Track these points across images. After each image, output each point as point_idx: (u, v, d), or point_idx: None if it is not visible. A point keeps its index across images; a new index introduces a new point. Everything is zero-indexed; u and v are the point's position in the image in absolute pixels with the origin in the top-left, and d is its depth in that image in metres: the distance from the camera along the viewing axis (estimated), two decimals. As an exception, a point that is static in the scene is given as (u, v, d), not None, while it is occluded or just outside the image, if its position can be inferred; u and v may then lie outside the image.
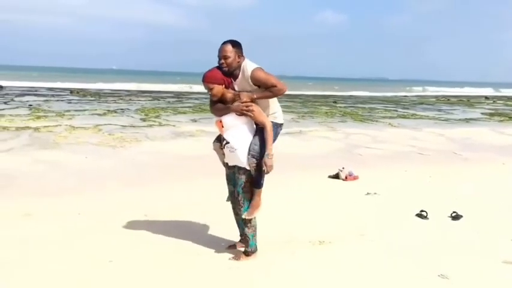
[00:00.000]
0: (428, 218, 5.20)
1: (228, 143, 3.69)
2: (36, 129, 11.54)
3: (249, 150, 3.62)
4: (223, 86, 3.64)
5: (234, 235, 4.51)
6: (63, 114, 15.03)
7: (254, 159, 3.62)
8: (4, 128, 11.62)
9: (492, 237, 4.64)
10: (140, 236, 4.42)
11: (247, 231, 3.85)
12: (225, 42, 3.60)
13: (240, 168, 3.71)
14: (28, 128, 11.72)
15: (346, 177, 7.18)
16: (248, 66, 3.60)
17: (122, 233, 4.53)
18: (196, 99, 26.46)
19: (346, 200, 6.01)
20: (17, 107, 17.27)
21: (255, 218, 3.84)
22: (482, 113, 22.70)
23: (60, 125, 12.43)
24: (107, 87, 36.05)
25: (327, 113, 20.08)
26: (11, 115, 14.28)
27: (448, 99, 36.88)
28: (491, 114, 21.93)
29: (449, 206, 5.55)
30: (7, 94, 24.36)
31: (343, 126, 15.25)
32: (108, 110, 17.03)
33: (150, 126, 13.27)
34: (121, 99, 23.87)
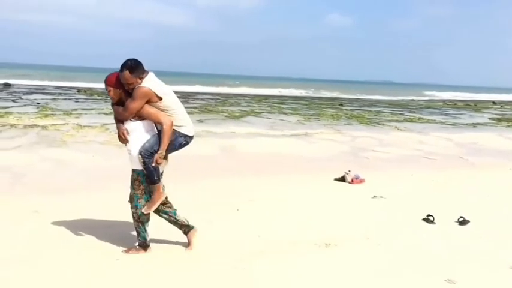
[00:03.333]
0: (435, 223, 5.18)
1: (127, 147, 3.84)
2: (44, 127, 11.61)
3: (140, 148, 3.74)
4: (121, 90, 3.73)
5: (238, 234, 4.52)
6: (71, 113, 15.11)
7: (141, 156, 3.73)
8: (12, 125, 11.70)
9: (499, 243, 4.61)
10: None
11: (136, 225, 3.99)
12: (122, 69, 3.66)
13: (134, 168, 3.88)
14: (36, 126, 11.79)
15: (352, 180, 7.16)
16: (144, 82, 3.70)
17: (128, 231, 4.53)
18: (202, 99, 26.52)
19: (352, 203, 5.99)
20: (24, 105, 17.38)
21: (143, 214, 3.93)
22: (489, 118, 22.58)
23: (67, 124, 12.49)
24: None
25: (332, 115, 20.05)
26: (19, 113, 14.37)
27: (455, 104, 36.73)
28: (498, 120, 21.81)
29: (457, 211, 5.52)
30: (15, 92, 24.52)
31: (349, 129, 15.22)
32: (115, 110, 17.08)
33: (156, 126, 13.30)
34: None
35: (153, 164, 3.74)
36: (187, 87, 39.92)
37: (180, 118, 3.86)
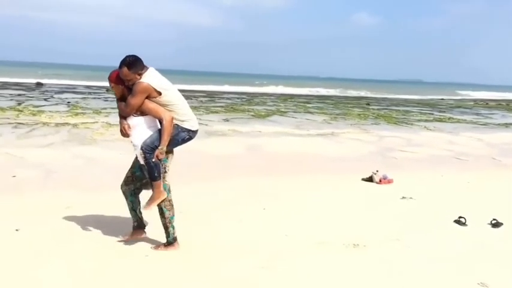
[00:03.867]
0: (467, 225, 5.05)
1: (132, 142, 3.88)
2: (75, 125, 11.89)
3: (141, 143, 3.77)
4: (123, 86, 3.80)
5: (265, 233, 4.51)
6: (100, 112, 15.42)
7: (142, 151, 3.76)
8: (45, 123, 12.02)
9: (535, 247, 4.45)
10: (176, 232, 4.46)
11: (167, 214, 4.00)
12: (121, 66, 3.70)
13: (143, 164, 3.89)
14: (67, 124, 12.08)
15: (380, 181, 7.05)
16: (143, 78, 3.73)
17: (157, 228, 4.58)
18: (228, 98, 26.64)
19: (381, 204, 5.90)
20: (56, 104, 17.85)
21: (167, 210, 3.97)
22: (523, 118, 21.88)
23: (97, 122, 12.75)
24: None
25: (359, 115, 19.82)
26: (50, 111, 14.77)
27: (487, 103, 35.74)
28: (532, 120, 21.11)
29: (489, 213, 5.36)
30: (47, 91, 25.21)
31: (377, 128, 15.01)
32: (143, 108, 17.34)
33: (183, 124, 13.42)
34: (155, 97, 24.26)
35: (153, 160, 3.76)
36: (215, 87, 40.19)
37: (181, 113, 3.87)
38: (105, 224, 4.62)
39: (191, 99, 24.78)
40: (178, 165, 7.91)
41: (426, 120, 18.49)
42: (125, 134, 3.86)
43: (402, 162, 9.24)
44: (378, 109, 24.08)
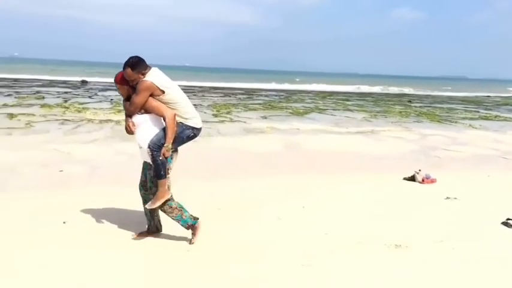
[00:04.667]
0: (515, 228, 4.83)
1: (137, 140, 3.95)
2: (118, 122, 12.22)
3: (148, 142, 3.83)
4: (128, 87, 3.89)
5: (305, 232, 4.47)
6: (141, 109, 15.77)
7: (149, 149, 3.82)
8: (89, 120, 12.44)
9: None
10: (215, 229, 4.50)
11: (172, 216, 4.03)
12: (125, 67, 3.81)
13: (149, 163, 3.95)
14: (110, 121, 12.44)
15: (422, 180, 6.86)
16: (146, 77, 3.82)
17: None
18: (266, 96, 26.65)
19: (424, 204, 5.73)
20: (100, 101, 18.43)
21: (174, 200, 4.02)
22: None
23: (138, 119, 13.05)
24: (180, 83, 37.31)
25: (401, 112, 19.36)
26: (94, 108, 15.26)
27: (537, 101, 34.05)
28: None
29: (540, 216, 5.10)
30: (91, 89, 26.08)
31: (419, 126, 14.63)
32: (182, 106, 17.62)
33: (222, 122, 13.55)
34: (194, 95, 24.61)
35: (161, 158, 3.82)
36: (253, 85, 40.29)
37: (184, 111, 3.94)
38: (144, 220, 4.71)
39: (230, 96, 24.97)
40: (220, 161, 8.07)
41: (471, 118, 17.85)
42: (129, 131, 3.96)
43: (446, 162, 8.96)
44: (420, 107, 23.45)
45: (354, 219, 4.97)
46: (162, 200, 3.97)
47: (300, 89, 38.81)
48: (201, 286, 3.34)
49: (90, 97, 20.35)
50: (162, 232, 4.31)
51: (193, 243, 4.07)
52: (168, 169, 3.95)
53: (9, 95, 19.23)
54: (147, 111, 3.88)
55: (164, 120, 3.85)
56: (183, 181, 6.56)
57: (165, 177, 3.92)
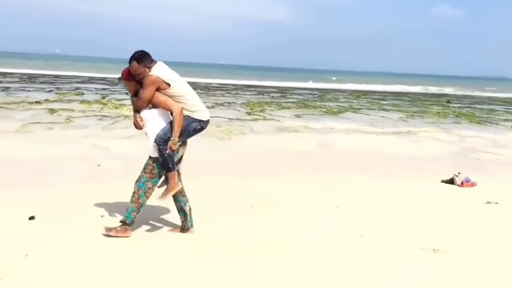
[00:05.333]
0: (562, 235, 4.59)
1: (146, 134, 4.03)
2: (153, 118, 12.40)
3: (155, 136, 3.89)
4: (134, 82, 3.96)
5: (340, 232, 4.40)
6: (176, 106, 15.98)
7: (155, 143, 3.89)
8: (126, 116, 12.69)
9: None
10: (248, 227, 4.51)
11: (130, 204, 4.04)
12: (131, 61, 3.88)
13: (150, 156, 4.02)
14: (145, 117, 12.66)
15: (462, 183, 6.64)
16: (152, 71, 3.87)
17: (230, 222, 4.66)
18: (299, 94, 26.50)
19: (463, 208, 5.55)
20: (136, 98, 18.76)
21: (144, 197, 4.03)
22: None
23: (173, 116, 13.23)
24: (215, 81, 37.67)
25: (438, 113, 18.84)
26: (131, 105, 15.53)
27: None
28: None
29: None
30: (128, 86, 26.60)
31: (457, 127, 14.19)
32: (216, 103, 17.75)
33: (255, 120, 13.56)
34: (228, 92, 24.76)
35: (167, 151, 3.86)
36: (287, 83, 40.18)
37: (191, 104, 3.98)
38: (170, 217, 4.74)
39: (263, 94, 24.98)
40: (253, 159, 8.08)
41: (514, 120, 17.16)
42: (137, 126, 4.03)
43: (486, 165, 8.64)
44: (459, 107, 22.76)
45: (390, 221, 4.86)
46: (174, 192, 4.06)
47: (333, 87, 38.40)
48: (234, 285, 3.33)
49: (126, 93, 20.75)
50: (195, 229, 4.34)
51: (106, 234, 4.04)
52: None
53: (50, 90, 19.89)
54: (154, 106, 3.94)
55: (171, 114, 3.90)
56: (216, 178, 6.64)
57: (174, 170, 3.99)
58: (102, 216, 4.62)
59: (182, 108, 3.89)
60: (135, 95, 4.00)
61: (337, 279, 3.44)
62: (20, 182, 5.82)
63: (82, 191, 5.51)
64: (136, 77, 3.92)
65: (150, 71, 3.88)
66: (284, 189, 6.07)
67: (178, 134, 3.88)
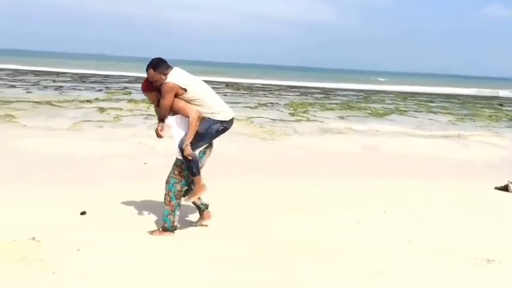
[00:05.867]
0: None
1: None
2: (197, 118, 12.59)
3: (178, 142, 3.99)
4: (154, 92, 4.06)
5: (386, 237, 4.28)
6: (219, 106, 16.14)
7: (179, 149, 3.98)
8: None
9: None
10: (290, 229, 4.47)
11: (165, 207, 4.12)
12: (148, 68, 3.98)
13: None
14: (190, 117, 12.86)
15: (517, 191, 6.30)
16: (168, 77, 3.94)
17: (271, 222, 4.63)
18: (344, 96, 26.14)
19: (519, 217, 5.26)
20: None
21: (175, 198, 4.10)
22: None
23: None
24: (254, 81, 37.80)
25: (491, 116, 18.04)
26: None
27: None
28: None
29: None
30: (173, 86, 27.15)
31: (511, 132, 13.52)
32: (259, 104, 17.80)
33: (298, 121, 13.48)
34: (271, 93, 24.79)
35: (191, 156, 3.93)
36: (330, 84, 39.74)
37: (210, 106, 4.01)
38: (222, 210, 4.78)
39: (306, 95, 24.83)
40: (296, 160, 8.03)
41: None
42: (158, 135, 4.14)
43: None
44: (512, 110, 21.70)
45: (438, 228, 4.67)
46: (199, 195, 4.17)
47: (379, 89, 37.61)
48: (276, 287, 3.30)
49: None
50: (232, 230, 4.36)
51: (150, 232, 4.14)
52: (200, 166, 4.10)
53: (100, 90, 20.63)
54: (175, 113, 4.02)
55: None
56: (258, 178, 6.64)
57: (199, 174, 4.06)
58: (148, 213, 4.73)
59: (199, 115, 3.95)
60: (158, 104, 4.11)
61: (381, 286, 3.34)
62: (72, 178, 6.07)
63: (130, 188, 5.66)
64: (154, 84, 4.00)
65: (166, 77, 3.95)
66: (328, 192, 5.98)
67: (190, 139, 3.94)
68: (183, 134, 4.00)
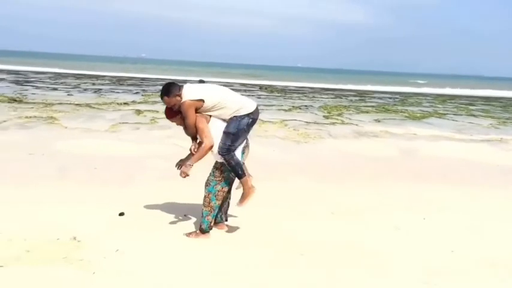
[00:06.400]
0: None
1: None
2: (232, 121, 12.65)
3: (217, 148, 4.03)
4: (178, 116, 4.13)
5: (427, 246, 4.15)
6: (254, 108, 16.16)
7: (220, 155, 4.02)
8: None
9: None
10: (328, 234, 4.40)
11: (203, 208, 4.13)
12: (162, 97, 4.10)
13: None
14: (225, 119, 12.93)
15: None
16: (183, 96, 4.02)
17: (311, 227, 4.57)
18: (379, 98, 25.67)
19: None
20: (215, 100, 19.26)
21: (216, 200, 4.12)
22: None
23: (251, 118, 13.38)
24: (292, 84, 37.69)
25: (535, 120, 17.26)
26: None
27: None
28: None
29: None
30: (208, 88, 27.41)
31: (559, 136, 12.89)
32: (293, 106, 17.72)
33: (333, 124, 13.32)
34: (305, 96, 24.63)
35: (182, 176, 4.01)
36: (366, 86, 39.18)
37: (231, 105, 4.03)
38: (259, 214, 4.79)
39: (341, 98, 24.53)
40: (331, 164, 7.92)
41: None
42: (183, 174, 4.13)
43: None
44: (559, 114, 20.70)
45: (484, 237, 4.48)
46: (250, 197, 4.11)
47: (416, 91, 36.74)
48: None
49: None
50: (270, 234, 4.33)
51: (187, 235, 4.17)
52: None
53: (137, 92, 21.07)
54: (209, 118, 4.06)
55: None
56: (294, 181, 6.59)
57: (245, 175, 4.05)
58: (185, 215, 4.77)
59: (211, 146, 3.98)
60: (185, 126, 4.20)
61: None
62: (110, 179, 6.20)
63: (166, 189, 5.72)
64: (174, 109, 4.09)
65: (181, 98, 4.00)
66: (364, 196, 5.86)
67: (195, 162, 4.01)
68: (218, 141, 4.01)
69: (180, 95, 4.03)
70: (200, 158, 4.02)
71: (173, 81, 4.43)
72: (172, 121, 4.26)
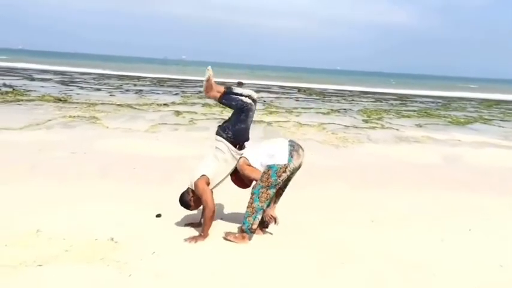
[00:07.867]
0: None
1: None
2: (269, 123, 12.63)
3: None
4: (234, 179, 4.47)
5: (474, 259, 3.93)
6: (292, 111, 16.09)
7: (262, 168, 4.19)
8: (244, 120, 13.08)
9: None
10: (369, 242, 4.25)
11: (246, 209, 4.14)
12: (187, 208, 4.40)
13: None
14: (262, 122, 12.91)
15: None
16: (199, 181, 4.29)
17: (351, 234, 4.44)
18: (421, 102, 24.98)
19: None
20: (254, 102, 19.30)
21: (259, 201, 4.09)
22: None
23: (289, 121, 13.32)
24: (331, 87, 37.28)
25: None
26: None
27: None
28: None
29: None
30: (247, 90, 27.54)
31: None
32: (332, 110, 17.49)
33: (373, 128, 13.03)
34: (344, 99, 24.29)
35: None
36: (407, 90, 38.25)
37: (233, 135, 4.67)
38: (298, 220, 4.70)
39: (381, 101, 24.04)
40: (371, 169, 7.71)
41: None
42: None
43: None
44: None
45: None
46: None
47: (460, 95, 35.51)
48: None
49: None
50: (309, 240, 4.25)
51: (225, 238, 4.16)
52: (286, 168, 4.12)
53: (176, 94, 21.41)
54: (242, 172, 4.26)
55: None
56: (333, 187, 6.43)
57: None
58: (221, 218, 4.74)
59: (214, 211, 4.14)
60: (232, 174, 4.45)
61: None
62: (149, 179, 6.26)
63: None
64: (233, 179, 4.45)
65: (196, 183, 4.22)
66: (406, 205, 5.65)
67: (206, 232, 4.13)
68: (259, 154, 4.25)
69: (193, 193, 4.31)
70: (208, 227, 4.16)
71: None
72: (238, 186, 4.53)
